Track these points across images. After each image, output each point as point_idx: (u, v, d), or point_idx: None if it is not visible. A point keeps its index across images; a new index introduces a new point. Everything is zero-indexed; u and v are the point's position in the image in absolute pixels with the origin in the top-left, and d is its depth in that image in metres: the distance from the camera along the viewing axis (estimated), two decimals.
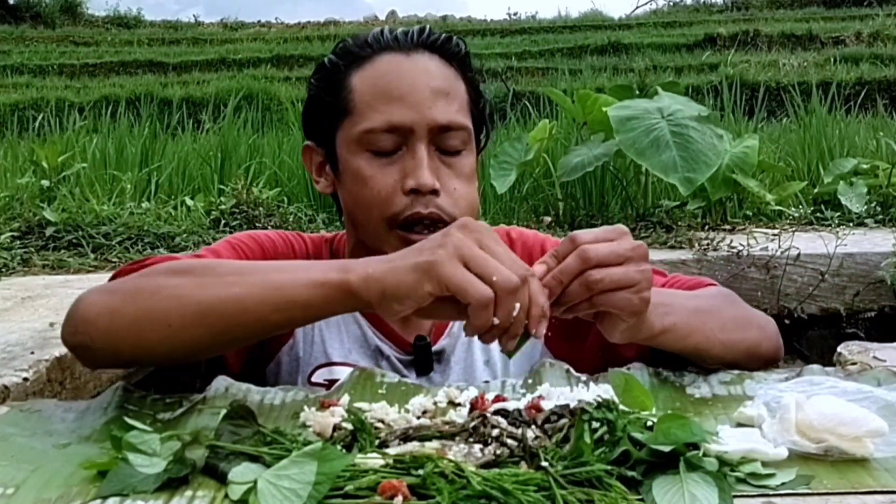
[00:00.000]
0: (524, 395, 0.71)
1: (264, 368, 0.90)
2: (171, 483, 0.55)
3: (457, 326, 0.90)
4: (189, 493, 0.54)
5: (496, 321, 0.61)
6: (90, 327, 0.70)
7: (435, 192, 0.80)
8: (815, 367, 0.78)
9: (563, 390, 0.68)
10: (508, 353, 0.65)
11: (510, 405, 0.63)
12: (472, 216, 0.79)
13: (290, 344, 0.90)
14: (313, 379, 0.88)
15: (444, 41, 0.86)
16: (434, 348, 0.89)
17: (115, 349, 0.70)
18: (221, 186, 2.65)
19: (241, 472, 0.53)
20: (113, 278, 0.77)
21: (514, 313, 0.61)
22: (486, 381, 0.80)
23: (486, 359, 0.91)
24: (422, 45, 0.85)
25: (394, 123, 0.81)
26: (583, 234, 0.67)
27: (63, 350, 1.03)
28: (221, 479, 0.55)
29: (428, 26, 0.88)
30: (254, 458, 0.56)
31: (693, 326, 0.74)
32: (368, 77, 0.84)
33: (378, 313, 0.67)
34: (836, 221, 2.21)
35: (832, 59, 9.58)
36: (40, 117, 4.16)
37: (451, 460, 0.54)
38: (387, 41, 0.86)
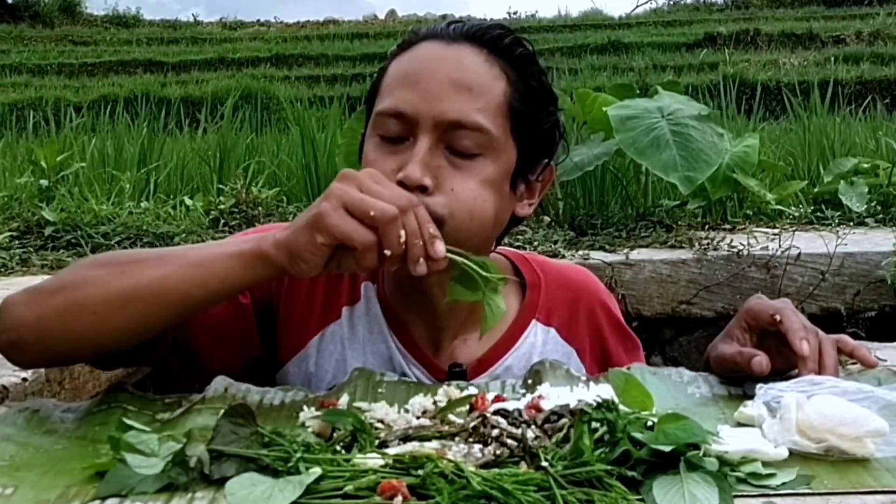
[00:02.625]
0: (524, 395, 0.71)
1: (273, 374, 0.87)
2: (170, 484, 0.55)
3: (501, 368, 0.85)
4: (188, 494, 0.54)
5: (388, 253, 0.65)
6: (18, 323, 0.71)
7: (423, 189, 0.73)
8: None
9: (563, 390, 0.68)
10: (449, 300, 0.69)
11: (510, 405, 0.63)
12: (476, 224, 0.76)
13: (301, 356, 0.85)
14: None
15: (496, 36, 0.79)
16: (471, 382, 0.81)
17: (44, 342, 0.72)
18: (220, 186, 2.65)
19: (237, 483, 0.53)
20: None
21: (402, 239, 0.65)
22: (486, 381, 0.80)
23: None
24: (470, 38, 0.79)
25: (399, 109, 0.76)
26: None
27: None
28: (220, 483, 0.54)
29: (497, 24, 0.81)
30: (251, 461, 0.56)
31: None
32: (401, 61, 0.80)
33: (294, 275, 0.69)
34: (837, 221, 2.21)
35: (832, 59, 9.57)
36: (39, 117, 4.15)
37: (450, 460, 0.54)
38: (436, 30, 0.81)
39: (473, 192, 0.76)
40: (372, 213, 0.64)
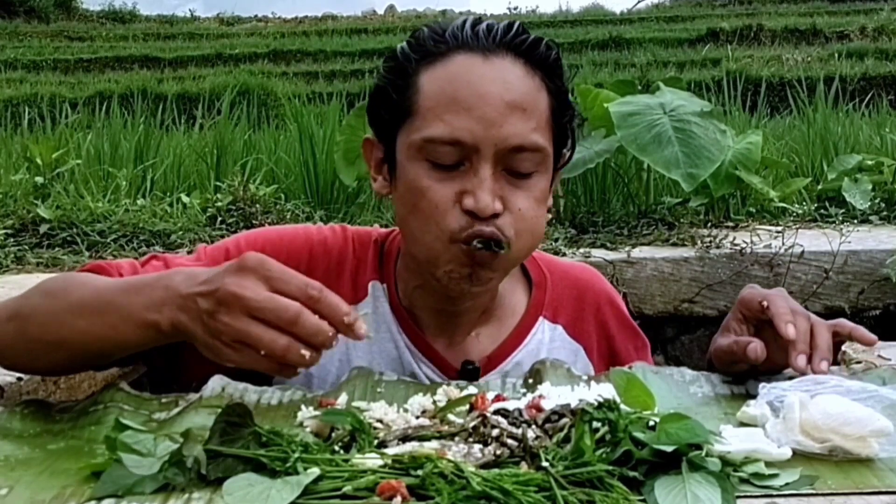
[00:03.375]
0: (524, 394, 0.71)
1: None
2: (167, 485, 0.54)
3: (511, 365, 0.85)
4: (185, 495, 0.53)
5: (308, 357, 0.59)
6: None
7: (495, 216, 0.73)
8: None
9: (564, 390, 0.68)
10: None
11: (510, 405, 0.63)
12: (534, 241, 0.78)
13: None
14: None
15: (531, 44, 0.76)
16: (483, 379, 0.82)
17: (4, 361, 0.75)
18: (218, 183, 2.63)
19: (235, 484, 0.52)
20: None
21: (303, 351, 0.59)
22: (487, 381, 0.79)
23: None
24: (504, 47, 0.76)
25: (457, 138, 0.73)
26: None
27: None
28: (217, 483, 0.54)
29: (518, 23, 0.77)
30: (248, 461, 0.55)
31: None
32: (438, 78, 0.75)
33: None
34: (841, 218, 2.20)
35: (836, 55, 9.56)
36: (34, 113, 4.13)
37: (450, 460, 0.54)
38: (465, 38, 0.76)
39: (534, 210, 0.76)
40: (262, 353, 0.58)
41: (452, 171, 0.74)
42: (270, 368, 0.60)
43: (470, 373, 0.83)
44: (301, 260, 0.84)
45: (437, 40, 0.77)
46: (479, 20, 0.78)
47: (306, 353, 0.58)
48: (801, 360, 0.70)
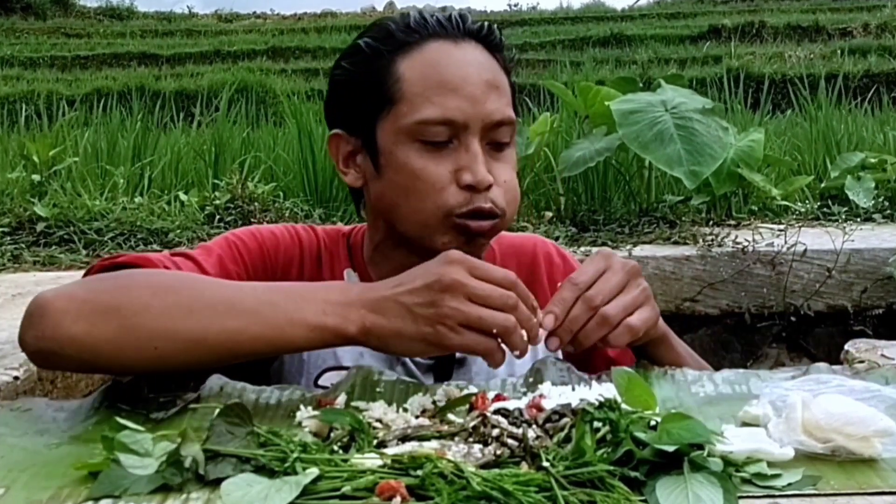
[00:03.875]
0: (525, 393, 0.70)
1: (268, 366, 0.87)
2: (165, 485, 0.54)
3: None
4: (183, 495, 0.53)
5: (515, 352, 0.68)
6: (63, 336, 0.68)
7: (488, 187, 0.79)
8: (822, 365, 0.76)
9: (565, 389, 0.67)
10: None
11: (511, 404, 0.62)
12: (516, 208, 0.84)
13: None
14: (320, 382, 0.85)
15: (488, 31, 0.84)
16: (457, 355, 0.86)
17: (87, 361, 0.70)
18: (216, 181, 2.63)
19: (233, 484, 0.52)
20: (86, 275, 0.76)
21: (524, 337, 0.68)
22: (487, 380, 0.79)
23: (509, 371, 0.89)
24: (468, 34, 0.83)
25: (449, 117, 0.79)
26: (578, 275, 0.74)
27: None
28: (215, 484, 0.53)
29: (468, 14, 0.85)
30: (247, 461, 0.55)
31: (675, 341, 0.85)
32: (419, 65, 0.80)
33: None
34: (844, 216, 2.18)
35: (839, 52, 9.50)
36: (31, 110, 4.11)
37: (450, 460, 0.53)
38: (434, 27, 0.82)
39: (513, 179, 0.83)
40: (494, 330, 0.66)
41: (443, 148, 0.80)
42: (489, 350, 0.67)
43: (444, 363, 0.86)
44: (294, 255, 0.89)
45: (406, 31, 0.82)
46: (432, 11, 0.84)
47: (524, 334, 0.67)
48: (548, 319, 0.72)
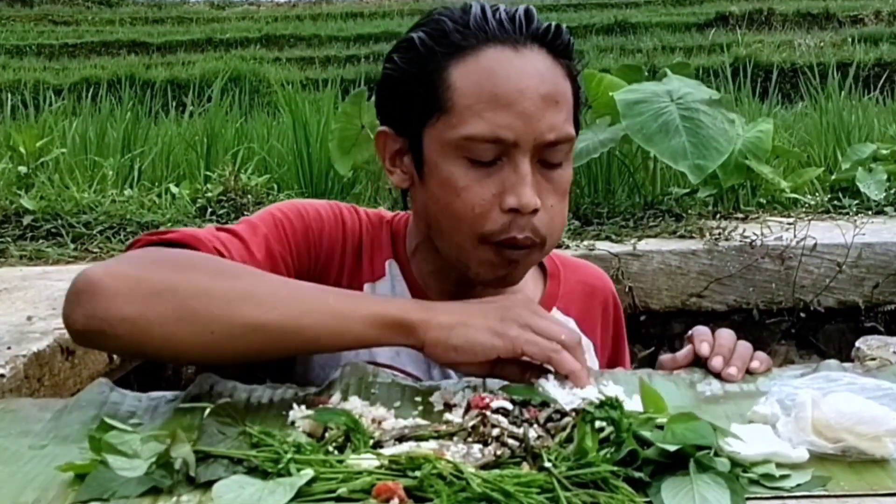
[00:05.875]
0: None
1: (263, 370, 0.85)
2: (154, 487, 0.52)
3: None
4: (173, 498, 0.52)
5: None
6: (114, 316, 0.66)
7: (534, 212, 0.75)
8: (833, 362, 0.75)
9: (567, 388, 0.66)
10: None
11: (511, 403, 0.61)
12: (560, 234, 0.81)
13: None
14: None
15: (554, 34, 0.77)
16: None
17: (138, 343, 0.67)
18: (208, 173, 2.59)
19: (225, 486, 0.51)
20: (129, 248, 0.74)
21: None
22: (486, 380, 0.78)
23: None
24: (531, 37, 0.76)
25: (498, 135, 0.73)
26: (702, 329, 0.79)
27: (42, 345, 0.99)
28: (206, 486, 0.52)
29: (533, 10, 0.78)
30: (239, 462, 0.54)
31: None
32: (472, 74, 0.75)
33: (429, 356, 0.70)
34: (854, 209, 2.13)
35: (850, 39, 9.34)
36: (17, 100, 4.06)
37: (449, 461, 0.52)
38: (493, 31, 0.76)
39: (561, 202, 0.78)
40: (563, 337, 0.68)
41: (490, 167, 0.75)
42: (549, 353, 0.67)
43: None
44: (337, 241, 0.85)
45: (463, 34, 0.76)
46: (496, 8, 0.78)
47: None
48: (717, 361, 0.74)
